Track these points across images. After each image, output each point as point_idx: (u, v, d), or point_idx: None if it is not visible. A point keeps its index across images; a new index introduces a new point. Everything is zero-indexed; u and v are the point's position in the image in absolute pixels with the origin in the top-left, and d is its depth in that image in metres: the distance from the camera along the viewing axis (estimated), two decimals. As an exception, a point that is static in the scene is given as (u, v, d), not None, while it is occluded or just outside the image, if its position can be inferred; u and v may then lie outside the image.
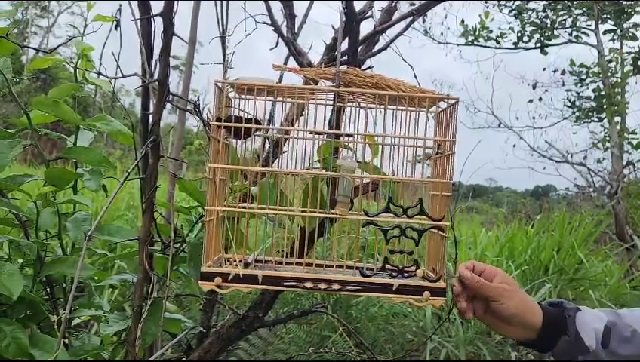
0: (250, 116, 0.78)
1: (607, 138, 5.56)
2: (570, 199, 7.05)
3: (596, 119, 5.83)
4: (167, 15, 0.98)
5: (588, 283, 3.27)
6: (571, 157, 6.15)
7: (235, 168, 0.82)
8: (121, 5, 1.12)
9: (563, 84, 6.20)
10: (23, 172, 1.20)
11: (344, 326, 2.17)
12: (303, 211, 0.89)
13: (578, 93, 5.99)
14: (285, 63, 1.45)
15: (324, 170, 0.92)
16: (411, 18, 1.48)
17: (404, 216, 0.74)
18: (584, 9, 5.58)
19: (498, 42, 6.00)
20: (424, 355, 2.40)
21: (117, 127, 1.17)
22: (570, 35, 5.82)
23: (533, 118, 6.47)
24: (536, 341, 0.81)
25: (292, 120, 1.21)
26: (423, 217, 0.75)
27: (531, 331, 0.80)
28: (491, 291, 0.78)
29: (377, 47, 1.48)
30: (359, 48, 1.30)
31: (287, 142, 0.85)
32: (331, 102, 0.84)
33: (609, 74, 5.55)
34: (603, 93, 5.59)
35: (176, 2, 0.99)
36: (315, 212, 0.86)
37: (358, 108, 0.82)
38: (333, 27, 1.36)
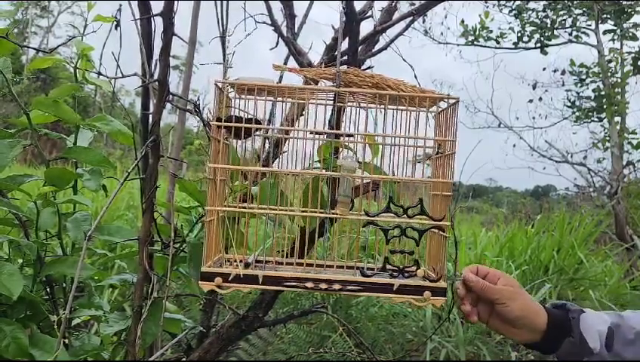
0: (250, 116, 0.78)
1: (607, 138, 5.56)
2: (570, 199, 7.04)
3: (596, 119, 5.83)
4: (167, 15, 0.98)
5: (588, 283, 3.27)
6: (571, 157, 6.15)
7: (235, 168, 0.82)
8: (121, 5, 1.12)
9: (563, 84, 6.20)
10: (23, 172, 1.20)
11: (344, 326, 2.17)
12: (303, 211, 0.89)
13: (578, 93, 5.98)
14: (285, 63, 1.45)
15: (324, 170, 0.92)
16: (411, 18, 1.48)
17: (405, 216, 0.74)
18: (584, 9, 5.57)
19: (498, 42, 6.00)
20: (424, 355, 2.40)
21: (117, 127, 1.17)
22: (570, 35, 5.81)
23: (533, 118, 6.47)
24: (541, 343, 0.81)
25: (292, 120, 1.21)
26: (424, 217, 0.75)
27: (536, 333, 0.80)
28: (495, 293, 0.79)
29: (377, 47, 1.48)
30: (359, 48, 1.30)
31: (288, 142, 0.85)
32: (331, 102, 0.84)
33: (609, 74, 5.55)
34: (603, 93, 5.58)
35: (176, 2, 0.99)
36: (315, 212, 0.86)
37: (358, 109, 0.82)
38: (333, 27, 1.36)
